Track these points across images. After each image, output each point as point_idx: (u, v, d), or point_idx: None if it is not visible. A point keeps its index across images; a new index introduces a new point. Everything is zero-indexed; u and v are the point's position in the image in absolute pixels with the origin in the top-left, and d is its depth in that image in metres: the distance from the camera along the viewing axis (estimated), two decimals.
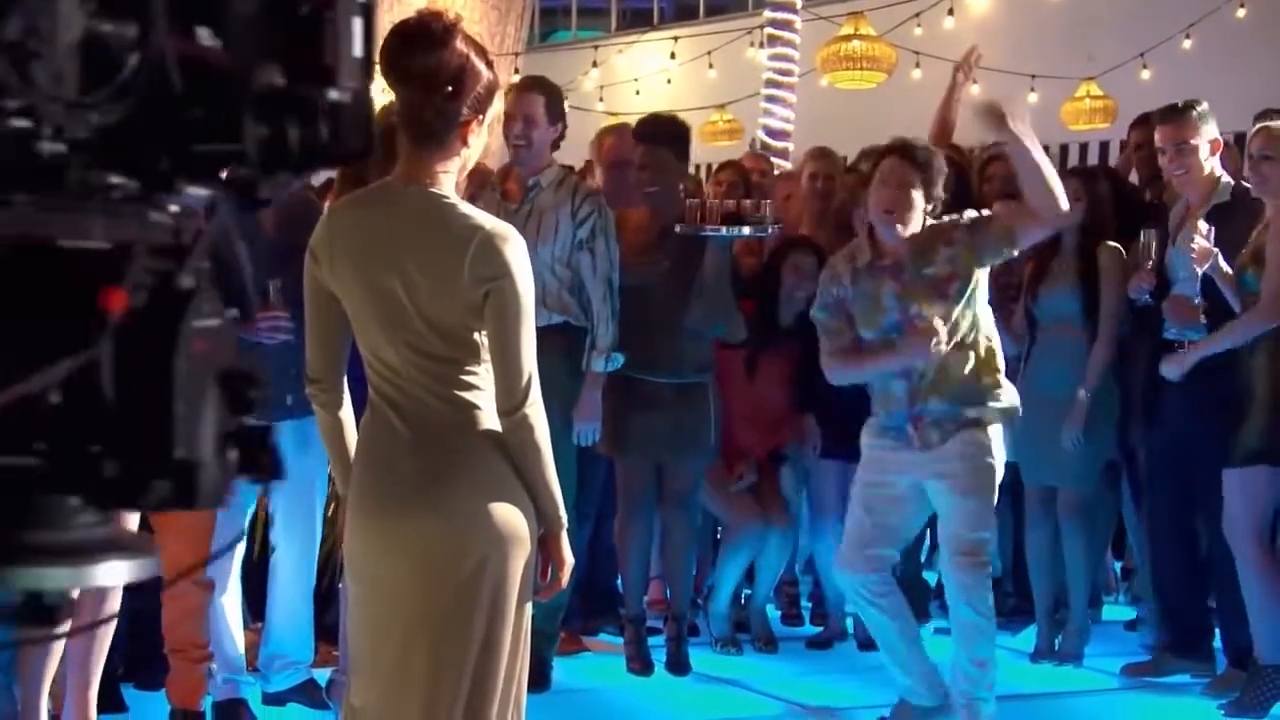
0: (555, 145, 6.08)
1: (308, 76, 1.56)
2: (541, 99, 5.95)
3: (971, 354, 5.28)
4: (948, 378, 5.26)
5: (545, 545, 3.43)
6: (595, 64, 16.62)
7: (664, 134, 6.45)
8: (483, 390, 3.35)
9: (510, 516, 3.34)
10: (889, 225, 5.27)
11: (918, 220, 5.26)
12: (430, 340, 3.32)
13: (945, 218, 5.30)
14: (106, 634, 4.90)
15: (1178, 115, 6.07)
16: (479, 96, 3.35)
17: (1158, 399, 6.29)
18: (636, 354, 6.21)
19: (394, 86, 3.41)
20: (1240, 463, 5.79)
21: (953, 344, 5.23)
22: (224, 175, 1.57)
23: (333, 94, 1.58)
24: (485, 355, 3.35)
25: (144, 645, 5.39)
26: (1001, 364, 5.38)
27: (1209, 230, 5.79)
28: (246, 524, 5.56)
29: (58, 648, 4.72)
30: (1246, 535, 5.79)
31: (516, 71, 11.67)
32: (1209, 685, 6.09)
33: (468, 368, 3.34)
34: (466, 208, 3.36)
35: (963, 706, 5.32)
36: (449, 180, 3.38)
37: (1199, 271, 5.80)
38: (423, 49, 3.32)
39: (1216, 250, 5.77)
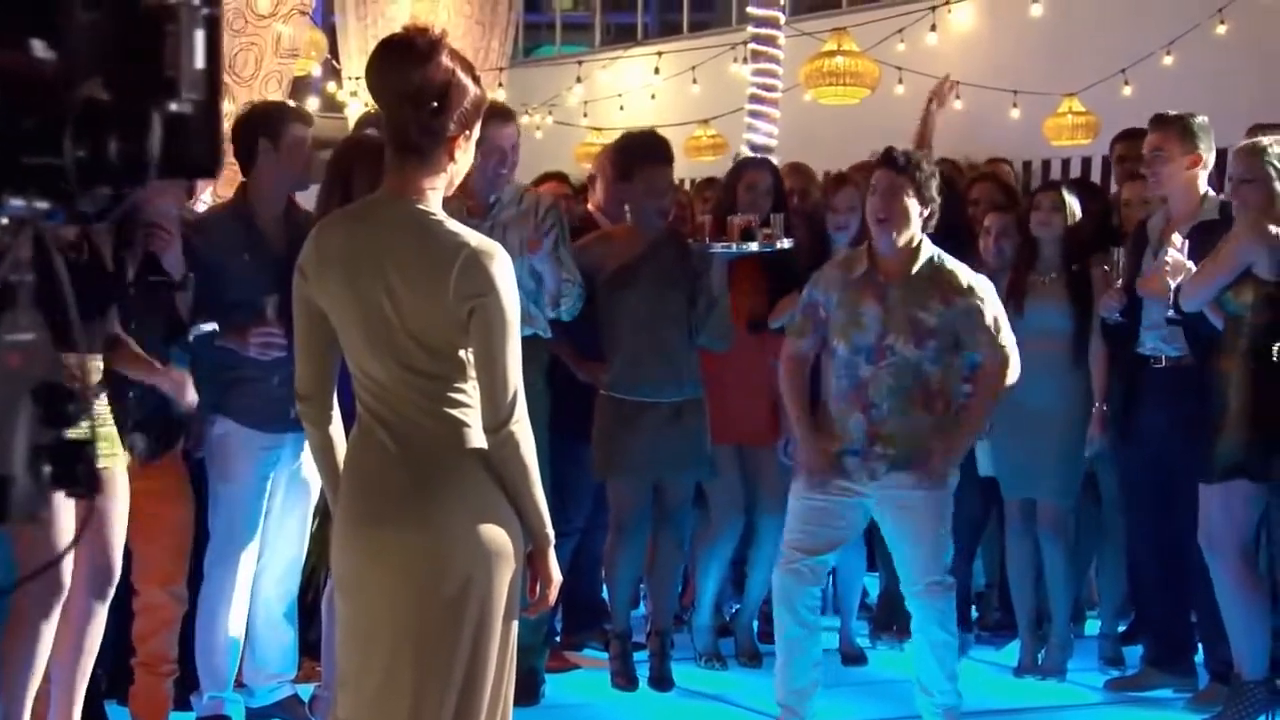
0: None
1: (147, 89, 1.55)
2: (515, 126, 5.99)
3: (929, 416, 5.35)
4: (905, 433, 5.34)
5: (532, 561, 3.43)
6: (579, 79, 16.65)
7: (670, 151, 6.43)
8: (470, 407, 3.35)
9: (497, 534, 3.34)
10: (884, 233, 5.33)
11: (914, 226, 5.31)
12: (417, 356, 3.32)
13: (954, 268, 5.34)
14: (91, 651, 4.89)
15: (1161, 124, 6.07)
16: (465, 112, 3.35)
17: (1133, 415, 6.30)
18: (630, 374, 6.20)
19: (380, 102, 3.41)
20: (1219, 477, 5.77)
21: (917, 397, 5.32)
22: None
23: (173, 106, 1.57)
24: (472, 372, 3.34)
25: (128, 662, 5.36)
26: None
27: (1183, 244, 5.79)
28: (258, 538, 5.50)
29: (41, 663, 4.71)
30: (1226, 550, 5.76)
31: (500, 86, 11.70)
32: (1192, 699, 6.10)
33: (455, 384, 3.34)
34: (453, 224, 3.36)
35: (944, 718, 5.36)
36: (436, 196, 3.38)
37: (1171, 285, 5.79)
38: (408, 64, 3.31)
39: (1190, 265, 5.77)
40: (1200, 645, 6.34)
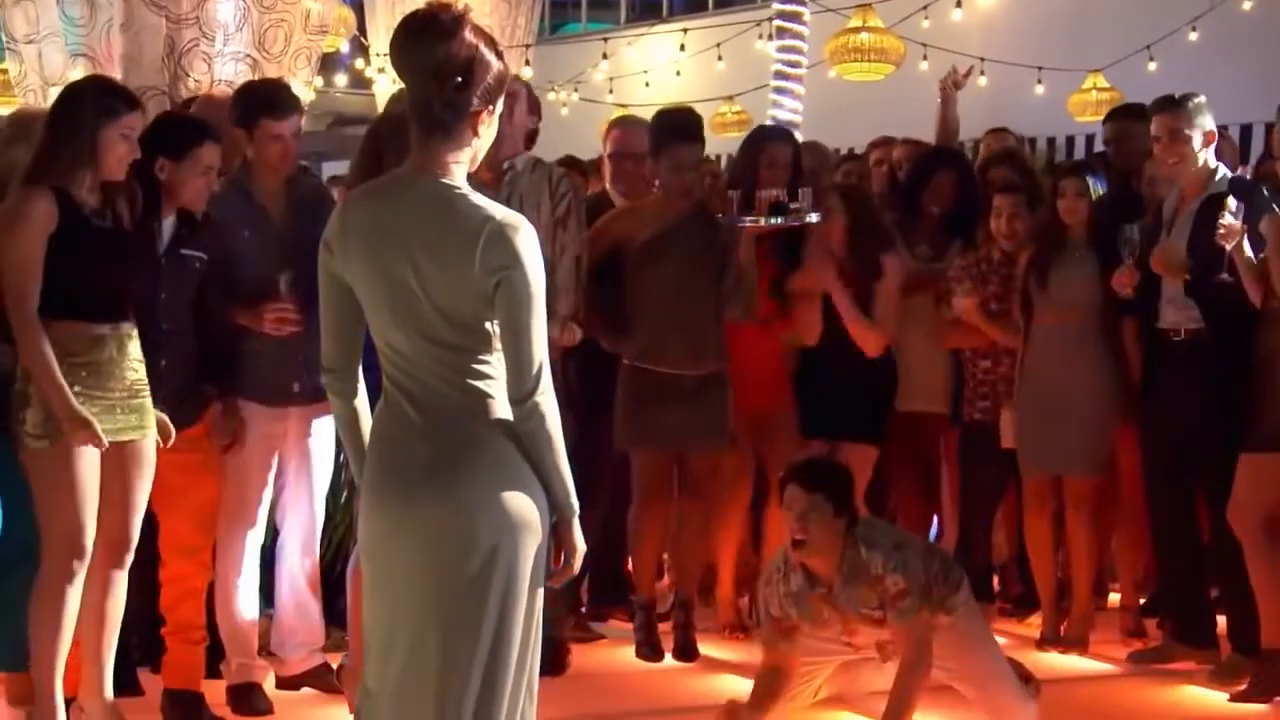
0: (531, 138, 6.38)
1: None
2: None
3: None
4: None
5: (557, 531, 3.44)
6: (605, 56, 16.59)
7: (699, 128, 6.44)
8: (495, 379, 3.36)
9: (521, 505, 3.35)
10: (802, 554, 5.16)
11: (832, 537, 5.11)
12: (442, 329, 3.33)
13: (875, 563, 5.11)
14: (115, 618, 4.92)
15: (1174, 106, 6.10)
16: (489, 87, 3.35)
17: (1153, 388, 6.29)
18: (656, 347, 6.22)
19: (403, 78, 3.40)
20: (1255, 448, 5.79)
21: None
22: None
23: None
24: (497, 344, 3.35)
25: (160, 631, 5.40)
26: None
27: (1238, 207, 5.76)
28: (263, 511, 5.56)
29: (69, 629, 4.74)
30: (1256, 522, 5.79)
31: (527, 63, 11.68)
32: (1214, 671, 6.09)
33: (480, 356, 3.35)
34: (477, 198, 3.36)
35: None
36: (460, 170, 3.38)
37: (1227, 248, 5.79)
38: (431, 40, 3.31)
39: (1245, 226, 5.77)
40: (1225, 618, 6.34)
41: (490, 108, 3.38)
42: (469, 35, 3.32)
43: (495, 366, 3.36)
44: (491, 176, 5.81)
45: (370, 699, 3.45)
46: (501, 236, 3.29)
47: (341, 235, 3.42)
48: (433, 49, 3.30)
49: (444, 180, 3.35)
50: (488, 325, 3.33)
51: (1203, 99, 6.12)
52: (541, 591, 3.44)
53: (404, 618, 3.38)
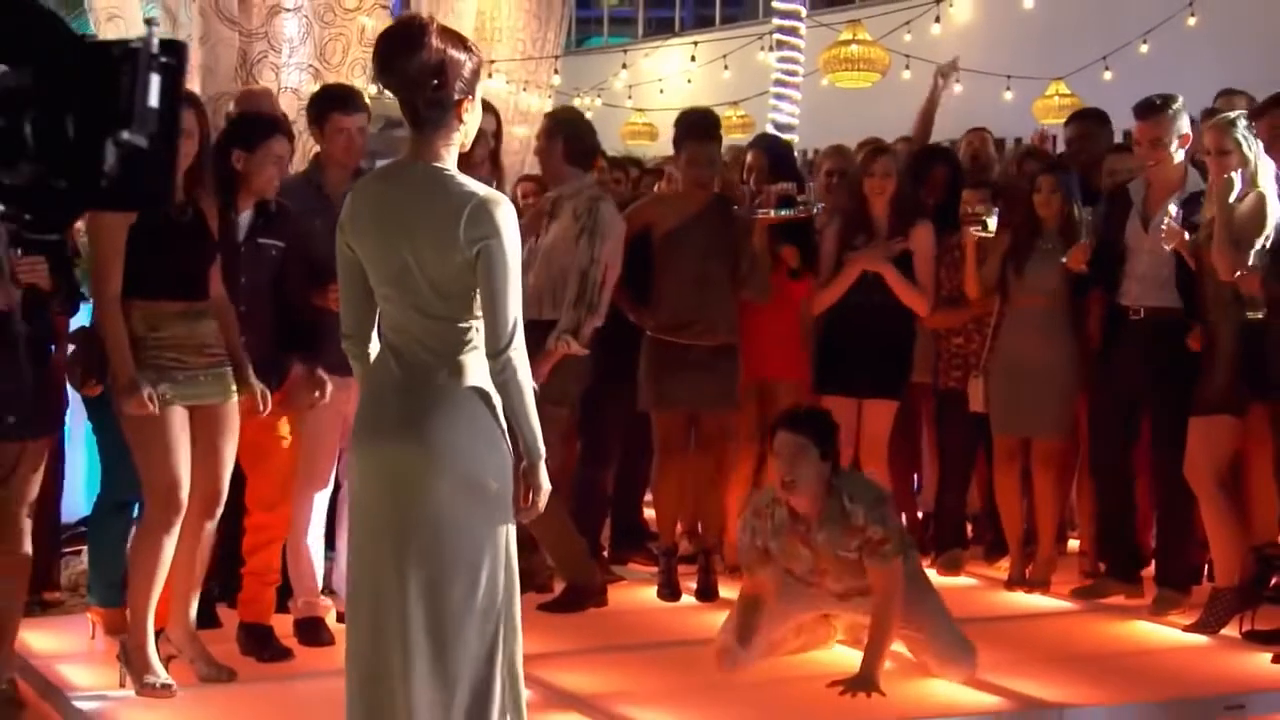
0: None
1: (106, 121, 1.58)
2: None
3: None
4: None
5: (525, 474, 3.43)
6: (625, 66, 16.62)
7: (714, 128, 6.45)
8: (475, 348, 3.38)
9: (481, 456, 3.36)
10: (790, 494, 5.10)
11: (817, 480, 5.05)
12: (432, 300, 3.35)
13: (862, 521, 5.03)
14: (202, 562, 4.97)
15: (1155, 113, 6.03)
16: (466, 80, 3.36)
17: (1109, 359, 6.32)
18: (677, 322, 6.26)
19: (388, 89, 3.42)
20: (1204, 411, 5.83)
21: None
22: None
23: (124, 135, 1.60)
24: (477, 312, 3.36)
25: (237, 571, 5.45)
26: None
27: (1178, 214, 5.81)
28: (333, 469, 5.60)
29: (163, 571, 4.80)
30: (1208, 476, 5.84)
31: (556, 73, 11.70)
32: (1154, 606, 6.13)
33: (460, 325, 3.37)
34: (464, 178, 3.39)
35: None
36: (451, 154, 3.41)
37: (1167, 249, 5.82)
38: (404, 54, 3.31)
39: (1185, 231, 5.80)
40: (1158, 558, 6.38)
41: (470, 96, 3.39)
42: (436, 42, 3.31)
43: (475, 336, 3.38)
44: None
45: (352, 624, 3.46)
46: (483, 210, 3.31)
47: (352, 217, 3.46)
48: (407, 62, 3.31)
49: (435, 165, 3.38)
50: (471, 295, 3.35)
51: (1180, 103, 6.06)
52: (510, 537, 3.42)
53: (375, 551, 3.40)
